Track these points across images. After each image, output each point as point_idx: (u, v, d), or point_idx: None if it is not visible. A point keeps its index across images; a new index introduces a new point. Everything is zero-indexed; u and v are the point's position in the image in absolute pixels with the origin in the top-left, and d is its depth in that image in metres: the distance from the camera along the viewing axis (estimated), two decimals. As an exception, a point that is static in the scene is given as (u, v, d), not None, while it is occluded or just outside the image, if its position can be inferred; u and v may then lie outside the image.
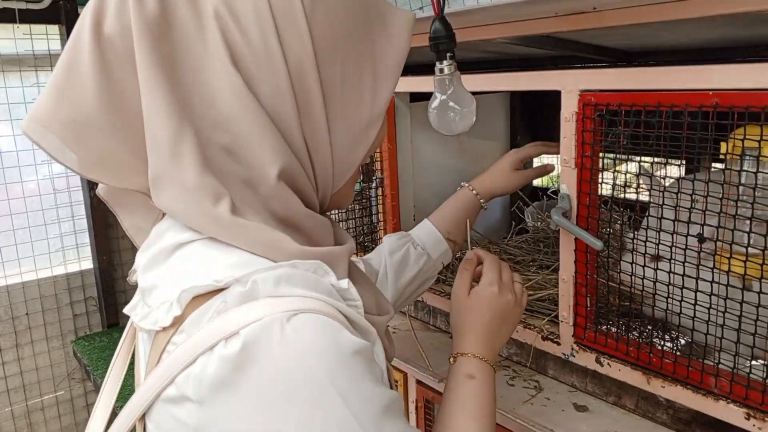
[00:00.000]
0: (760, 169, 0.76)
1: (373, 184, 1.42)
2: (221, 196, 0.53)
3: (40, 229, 2.64)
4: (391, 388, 0.65)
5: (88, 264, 2.79)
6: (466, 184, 1.15)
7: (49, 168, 2.62)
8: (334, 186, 0.62)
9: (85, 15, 0.54)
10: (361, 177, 1.48)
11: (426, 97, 0.97)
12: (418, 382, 1.25)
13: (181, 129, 0.52)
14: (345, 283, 0.57)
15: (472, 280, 0.89)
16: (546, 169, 1.20)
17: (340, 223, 1.49)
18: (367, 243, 1.56)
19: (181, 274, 0.55)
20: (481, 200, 1.13)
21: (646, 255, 0.90)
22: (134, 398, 0.53)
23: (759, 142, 0.76)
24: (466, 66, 1.49)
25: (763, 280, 0.79)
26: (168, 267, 0.56)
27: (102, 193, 0.64)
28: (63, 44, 2.55)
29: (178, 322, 0.52)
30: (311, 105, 0.56)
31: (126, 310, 0.60)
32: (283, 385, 0.47)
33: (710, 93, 0.78)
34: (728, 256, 0.81)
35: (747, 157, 0.78)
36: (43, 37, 2.48)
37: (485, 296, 0.85)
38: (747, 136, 0.77)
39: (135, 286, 0.62)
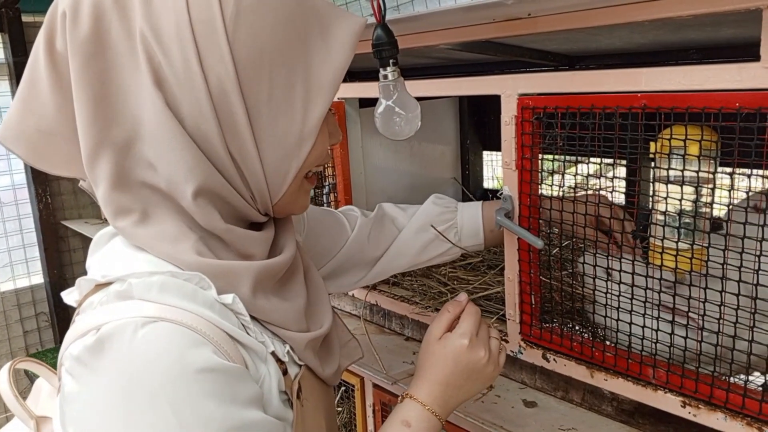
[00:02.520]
0: (686, 167, 0.80)
1: (326, 190, 1.43)
2: (128, 211, 0.58)
3: (-15, 244, 2.56)
4: (292, 404, 0.65)
5: (38, 279, 2.71)
6: None
7: (-5, 181, 2.55)
8: (273, 196, 0.63)
9: (41, 31, 0.58)
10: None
11: (376, 102, 0.98)
12: (375, 385, 1.26)
13: (97, 147, 0.56)
14: (229, 298, 0.58)
15: (450, 324, 0.82)
16: None
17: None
18: (321, 249, 1.57)
19: (105, 260, 0.61)
20: None
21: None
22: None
23: (684, 141, 0.79)
24: (415, 71, 1.52)
25: (693, 273, 0.83)
26: (102, 252, 0.63)
27: (84, 185, 0.67)
28: (5, 52, 2.48)
29: (79, 304, 0.59)
30: (235, 122, 0.57)
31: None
32: (121, 384, 0.50)
33: (639, 95, 0.82)
34: (660, 251, 0.84)
35: (674, 156, 0.82)
36: (-15, 46, 2.42)
37: (453, 347, 0.78)
38: (673, 136, 0.81)
39: None
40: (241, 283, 0.60)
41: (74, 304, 0.61)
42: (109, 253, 0.62)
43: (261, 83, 0.57)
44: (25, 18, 2.47)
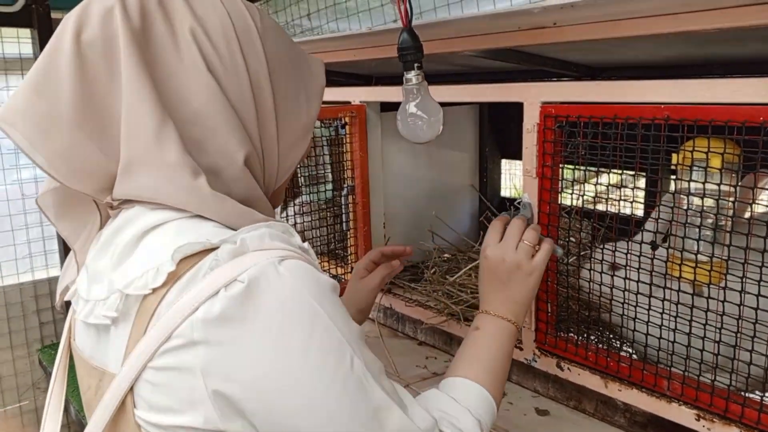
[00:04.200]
0: (707, 180, 0.80)
1: (344, 192, 1.44)
2: (199, 172, 0.60)
3: (7, 235, 2.59)
4: None
5: (56, 271, 2.74)
6: None
7: (18, 173, 2.59)
8: (277, 182, 0.72)
9: (67, 23, 0.62)
10: (332, 184, 1.50)
11: (397, 107, 0.99)
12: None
13: (164, 119, 0.60)
14: (306, 245, 0.64)
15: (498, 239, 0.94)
16: (392, 266, 1.14)
17: (313, 230, 1.51)
18: (338, 250, 1.58)
19: (156, 250, 0.59)
20: None
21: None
22: (123, 371, 0.57)
23: (707, 153, 0.80)
24: (437, 78, 1.53)
25: (712, 286, 0.83)
26: (139, 252, 0.60)
27: (41, 202, 0.69)
28: (34, 48, 2.52)
29: (171, 280, 0.56)
30: (265, 110, 0.67)
31: (80, 297, 0.64)
32: (284, 311, 0.56)
33: (662, 107, 0.82)
34: (679, 263, 0.84)
35: (696, 168, 0.82)
36: (14, 40, 2.46)
37: (482, 262, 0.93)
38: (696, 148, 0.81)
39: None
40: (295, 236, 0.66)
41: (143, 291, 0.57)
42: (172, 235, 0.59)
43: (280, 83, 0.69)
44: (54, 15, 2.51)
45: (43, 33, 2.42)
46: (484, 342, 0.84)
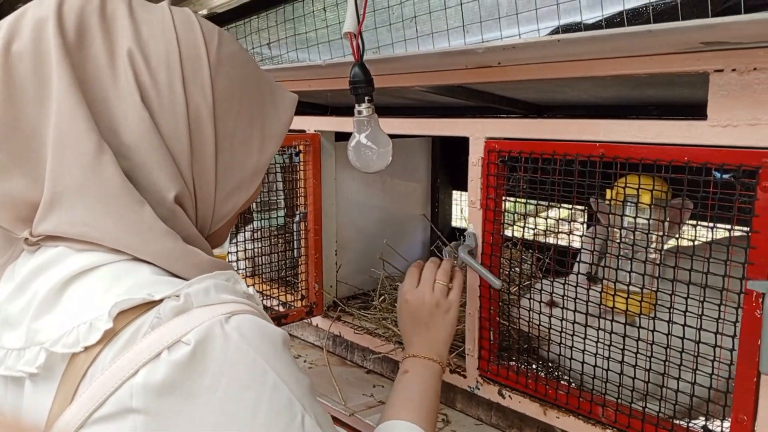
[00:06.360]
0: (638, 215, 0.84)
1: (296, 218, 1.44)
2: (143, 202, 0.56)
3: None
4: None
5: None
6: None
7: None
8: (212, 226, 0.67)
9: None
10: (285, 211, 1.50)
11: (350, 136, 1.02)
12: (333, 418, 1.26)
13: (101, 142, 0.55)
14: (251, 290, 0.61)
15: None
16: None
17: (264, 257, 1.50)
18: (289, 277, 1.57)
19: (86, 301, 0.53)
20: None
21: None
22: None
23: (637, 190, 0.84)
24: (391, 110, 1.57)
25: (643, 316, 0.87)
26: (65, 302, 0.54)
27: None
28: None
29: (106, 337, 0.51)
30: (203, 149, 0.62)
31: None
32: (231, 375, 0.51)
33: (597, 144, 0.87)
34: (613, 293, 0.88)
35: (628, 203, 0.87)
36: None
37: (399, 305, 1.00)
38: (628, 185, 0.86)
39: None
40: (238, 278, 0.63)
41: (72, 349, 0.51)
42: (101, 287, 0.54)
43: (228, 121, 0.64)
44: None
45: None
46: (414, 384, 0.89)
